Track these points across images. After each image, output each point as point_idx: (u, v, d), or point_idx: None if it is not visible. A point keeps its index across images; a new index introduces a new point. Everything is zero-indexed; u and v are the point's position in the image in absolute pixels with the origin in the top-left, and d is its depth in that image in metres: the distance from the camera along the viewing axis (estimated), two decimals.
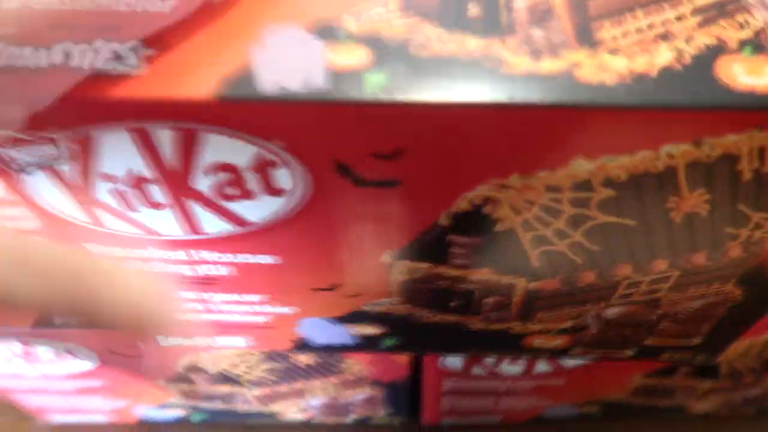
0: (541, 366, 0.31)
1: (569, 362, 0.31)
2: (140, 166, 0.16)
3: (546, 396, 0.34)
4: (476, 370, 0.31)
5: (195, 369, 0.29)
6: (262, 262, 0.21)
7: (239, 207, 0.18)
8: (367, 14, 0.16)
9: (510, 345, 0.27)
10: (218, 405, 0.33)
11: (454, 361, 0.30)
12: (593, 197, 0.17)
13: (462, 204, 0.18)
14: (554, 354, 0.27)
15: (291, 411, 0.34)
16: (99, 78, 0.14)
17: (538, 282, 0.21)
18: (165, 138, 0.15)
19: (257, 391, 0.32)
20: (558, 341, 0.26)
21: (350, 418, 0.35)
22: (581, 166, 0.16)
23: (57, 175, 0.16)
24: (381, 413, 0.35)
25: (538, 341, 0.26)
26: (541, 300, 0.23)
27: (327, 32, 0.15)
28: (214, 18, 0.15)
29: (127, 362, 0.28)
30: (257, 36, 0.15)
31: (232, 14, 0.16)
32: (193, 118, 0.15)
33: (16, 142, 0.15)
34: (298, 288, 0.23)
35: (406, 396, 0.33)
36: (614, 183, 0.17)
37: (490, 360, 0.30)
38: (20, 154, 0.16)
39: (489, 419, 0.36)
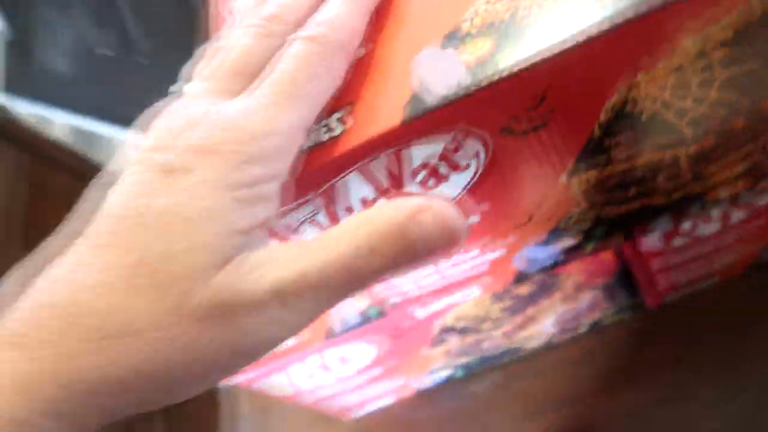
0: (737, 213, 0.33)
1: (762, 199, 0.32)
2: (367, 191, 0.22)
3: (753, 240, 0.35)
4: (677, 241, 0.33)
5: (446, 330, 0.35)
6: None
7: (440, 190, 0.23)
8: (476, 10, 0.20)
9: (698, 205, 0.29)
10: (472, 355, 0.39)
11: (653, 241, 0.33)
12: (713, 62, 0.20)
13: (606, 113, 0.21)
14: (742, 197, 0.30)
15: (532, 338, 0.39)
16: (324, 145, 0.20)
17: (696, 145, 0.24)
18: (380, 164, 0.21)
19: (498, 331, 0.37)
20: (741, 184, 0.28)
21: (584, 325, 0.39)
22: (692, 43, 0.19)
23: (316, 223, 0.22)
24: (608, 312, 0.39)
25: (722, 192, 0.29)
26: (706, 157, 0.25)
27: (454, 39, 0.20)
28: (369, 66, 0.21)
29: (400, 343, 0.34)
30: (407, 66, 0.20)
31: (377, 57, 0.21)
32: (392, 143, 0.20)
33: (286, 212, 0.21)
34: (500, 232, 0.28)
35: (623, 288, 0.37)
36: (725, 42, 0.19)
37: (686, 227, 0.33)
38: (291, 219, 0.22)
39: (708, 282, 0.38)
